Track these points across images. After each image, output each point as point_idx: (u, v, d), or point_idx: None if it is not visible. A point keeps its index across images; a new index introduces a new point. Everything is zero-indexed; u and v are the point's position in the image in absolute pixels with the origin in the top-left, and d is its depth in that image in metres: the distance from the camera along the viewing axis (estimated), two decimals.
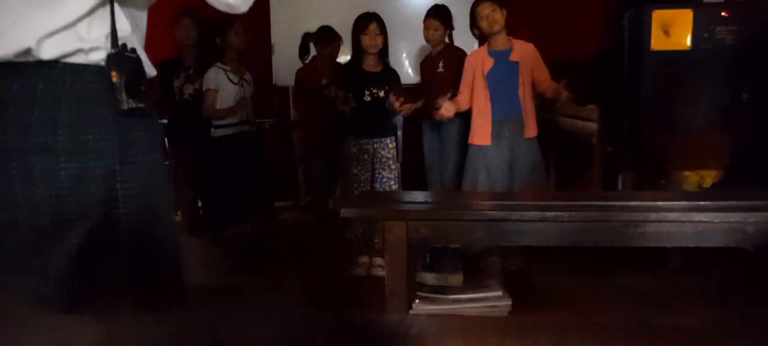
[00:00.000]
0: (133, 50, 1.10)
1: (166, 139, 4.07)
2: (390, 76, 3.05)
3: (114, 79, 1.06)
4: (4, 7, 1.02)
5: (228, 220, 3.62)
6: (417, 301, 1.94)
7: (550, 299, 2.04)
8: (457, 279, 2.05)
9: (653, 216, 1.77)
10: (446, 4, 3.38)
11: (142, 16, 1.18)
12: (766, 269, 2.09)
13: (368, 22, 2.95)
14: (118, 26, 1.08)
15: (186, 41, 3.50)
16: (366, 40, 2.95)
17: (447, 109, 2.85)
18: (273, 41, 4.29)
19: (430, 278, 2.07)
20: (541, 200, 1.92)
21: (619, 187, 3.05)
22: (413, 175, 3.76)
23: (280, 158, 4.03)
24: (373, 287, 2.57)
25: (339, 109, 3.02)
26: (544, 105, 3.23)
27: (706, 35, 2.73)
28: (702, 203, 1.85)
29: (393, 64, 3.19)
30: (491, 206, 1.95)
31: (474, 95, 2.91)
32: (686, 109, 2.78)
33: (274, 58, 4.27)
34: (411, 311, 1.89)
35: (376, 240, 2.85)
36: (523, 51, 2.87)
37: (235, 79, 3.39)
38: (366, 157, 3.01)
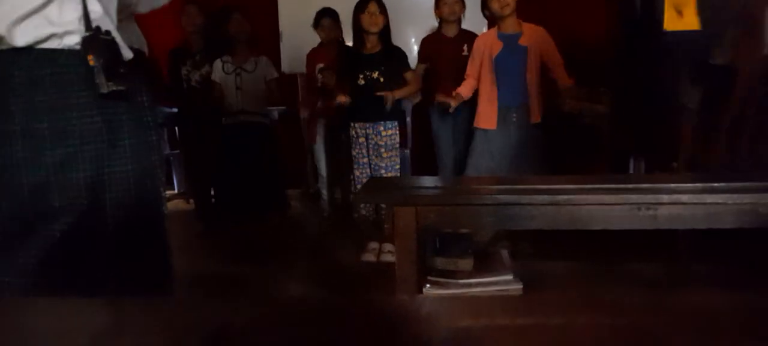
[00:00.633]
0: (108, 33, 1.08)
1: (176, 128, 4.09)
2: (390, 56, 2.99)
3: (91, 63, 1.04)
4: None
5: (235, 209, 3.65)
6: (427, 286, 1.94)
7: (560, 283, 2.04)
8: (467, 264, 2.05)
9: (665, 198, 1.74)
10: None
11: (112, 1, 1.16)
12: None
13: (368, 1, 2.93)
14: (90, 8, 1.06)
15: (192, 29, 3.52)
16: (366, 20, 2.93)
17: (457, 98, 2.84)
18: (281, 28, 4.28)
19: (440, 262, 2.07)
20: (552, 184, 1.90)
21: (631, 171, 3.03)
22: (424, 161, 3.75)
23: (289, 146, 4.04)
24: (383, 272, 2.59)
25: (337, 99, 3.00)
26: (553, 89, 3.20)
27: None
28: (715, 184, 1.82)
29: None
30: (501, 191, 1.93)
31: (481, 79, 2.89)
32: (699, 91, 2.74)
33: (282, 46, 4.26)
34: (420, 296, 1.89)
35: (386, 226, 2.86)
36: (534, 35, 2.85)
37: (229, 69, 3.42)
38: (362, 141, 3.01)
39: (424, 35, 3.53)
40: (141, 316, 0.60)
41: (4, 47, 1.01)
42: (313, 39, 3.63)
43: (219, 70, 3.46)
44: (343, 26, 3.50)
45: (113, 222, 1.13)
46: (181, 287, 1.82)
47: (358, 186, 3.02)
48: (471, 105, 3.13)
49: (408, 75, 3.02)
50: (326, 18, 3.48)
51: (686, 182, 1.89)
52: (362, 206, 3.05)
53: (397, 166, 3.04)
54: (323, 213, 3.76)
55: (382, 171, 2.99)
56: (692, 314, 0.71)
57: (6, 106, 1.02)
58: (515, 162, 2.87)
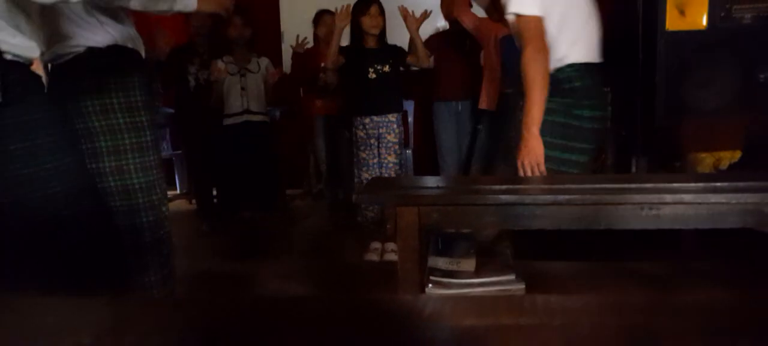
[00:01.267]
0: None
1: (176, 127, 4.09)
2: (393, 51, 3.06)
3: None
4: None
5: (236, 208, 3.66)
6: (430, 286, 1.94)
7: (563, 282, 2.03)
8: (469, 264, 2.04)
9: (669, 198, 1.74)
10: None
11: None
12: None
13: (370, 4, 2.96)
14: None
15: (201, 29, 3.53)
16: (367, 22, 2.98)
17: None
18: (282, 28, 4.28)
19: (442, 262, 2.07)
20: (554, 184, 1.90)
21: (633, 170, 3.03)
22: (425, 159, 3.75)
23: (290, 146, 4.05)
24: (386, 272, 2.58)
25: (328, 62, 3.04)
26: None
27: (722, 14, 2.68)
28: (718, 184, 1.82)
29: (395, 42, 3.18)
30: (504, 190, 1.93)
31: (486, 59, 2.93)
32: (702, 90, 2.74)
33: (283, 46, 4.27)
34: (423, 295, 1.89)
35: (388, 226, 2.86)
36: None
37: (233, 69, 3.45)
38: (372, 141, 3.02)
39: (431, 32, 3.54)
40: (143, 315, 0.60)
41: None
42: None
43: (221, 71, 3.48)
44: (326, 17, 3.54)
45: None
46: (184, 286, 1.83)
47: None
48: (474, 103, 3.14)
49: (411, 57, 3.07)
50: (327, 15, 3.51)
51: (689, 182, 1.89)
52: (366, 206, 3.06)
53: (399, 163, 3.07)
54: (326, 212, 3.77)
55: (397, 168, 3.03)
56: (696, 313, 0.71)
57: None
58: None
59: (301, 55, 3.68)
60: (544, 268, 2.20)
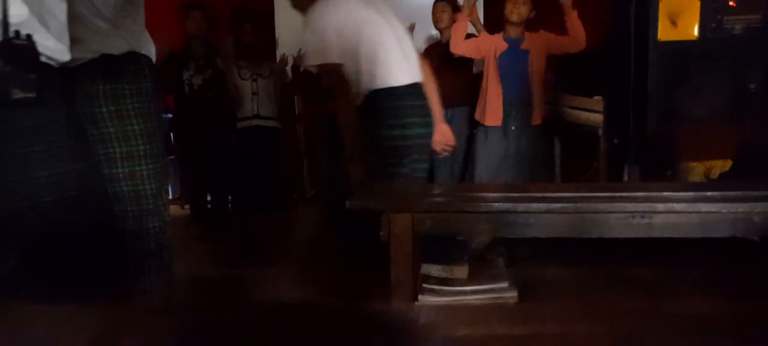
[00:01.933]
0: (28, 37, 1.05)
1: (171, 133, 4.09)
2: None
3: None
4: None
5: (237, 211, 3.67)
6: (423, 292, 1.94)
7: (556, 290, 2.04)
8: (462, 271, 2.05)
9: (660, 207, 1.76)
10: None
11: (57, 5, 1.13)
12: None
13: None
14: (12, 12, 1.03)
15: (196, 33, 3.54)
16: None
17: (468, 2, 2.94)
18: (277, 35, 4.29)
19: (435, 269, 2.08)
20: (547, 192, 1.91)
21: (625, 178, 3.05)
22: None
23: (286, 151, 4.05)
24: (379, 278, 2.58)
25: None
26: (550, 97, 3.22)
27: (713, 25, 2.71)
28: (709, 193, 1.84)
29: None
30: (497, 198, 1.94)
31: (487, 77, 2.99)
32: (693, 99, 2.77)
33: (278, 52, 4.27)
34: (416, 303, 1.89)
35: (381, 233, 2.86)
36: (535, 40, 2.98)
37: (246, 75, 3.49)
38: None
39: (422, 44, 3.57)
40: (136, 322, 0.60)
41: None
42: None
43: (235, 76, 3.53)
44: None
45: (22, 230, 1.11)
46: (179, 292, 1.82)
47: None
48: (468, 109, 3.16)
49: None
50: None
51: (680, 191, 1.90)
52: None
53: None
54: (320, 216, 3.77)
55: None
56: (687, 320, 0.71)
57: None
58: (519, 160, 2.93)
59: (300, 59, 3.69)
60: (536, 275, 2.21)
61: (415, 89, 2.28)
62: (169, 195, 4.70)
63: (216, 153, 3.62)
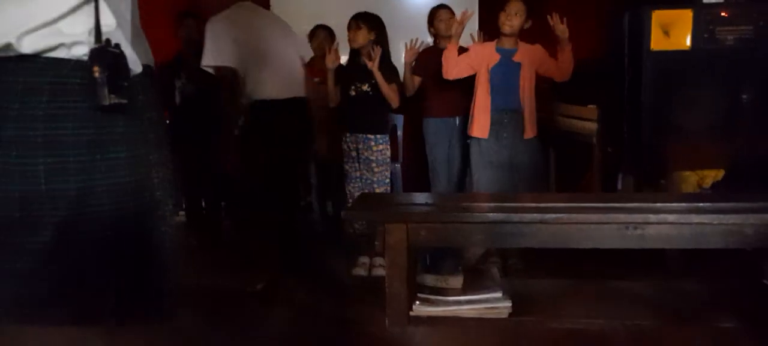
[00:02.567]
0: (117, 46, 1.09)
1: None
2: (380, 70, 2.99)
3: (96, 74, 1.04)
4: None
5: (230, 220, 3.66)
6: (417, 302, 1.95)
7: (550, 302, 2.05)
8: (457, 281, 2.06)
9: (653, 218, 1.77)
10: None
11: (127, 8, 1.16)
12: (764, 272, 2.10)
13: (352, 20, 3.01)
14: (102, 22, 1.06)
15: (188, 42, 3.53)
16: (349, 37, 3.01)
17: (457, 27, 2.92)
18: None
19: (430, 279, 2.08)
20: (541, 202, 1.92)
21: (619, 187, 3.06)
22: (414, 175, 3.77)
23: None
24: (374, 287, 2.58)
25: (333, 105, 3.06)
26: (545, 106, 3.23)
27: (705, 36, 2.73)
28: (701, 204, 1.85)
29: (393, 61, 3.18)
30: (491, 209, 1.95)
31: (477, 88, 2.95)
32: (686, 109, 2.79)
33: None
34: (411, 313, 1.89)
35: (376, 243, 2.86)
36: (529, 53, 2.92)
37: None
38: (354, 155, 3.03)
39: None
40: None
41: (10, 54, 1.01)
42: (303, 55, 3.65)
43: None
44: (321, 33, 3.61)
45: (102, 236, 1.12)
46: (178, 303, 1.82)
47: (351, 201, 3.03)
48: (464, 120, 3.16)
49: (392, 86, 3.05)
50: (321, 30, 3.55)
51: (673, 202, 1.92)
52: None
53: (388, 181, 3.06)
54: (314, 225, 3.77)
55: (374, 186, 3.00)
56: (683, 340, 0.72)
57: (5, 113, 1.01)
58: (514, 175, 2.91)
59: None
60: (530, 286, 2.22)
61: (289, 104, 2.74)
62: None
63: (210, 160, 3.61)
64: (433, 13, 3.35)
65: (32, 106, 1.02)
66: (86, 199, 1.07)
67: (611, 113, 3.05)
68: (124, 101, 1.08)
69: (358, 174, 3.03)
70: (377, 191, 3.00)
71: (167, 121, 3.77)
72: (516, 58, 2.91)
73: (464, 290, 2.02)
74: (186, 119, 3.57)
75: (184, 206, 4.01)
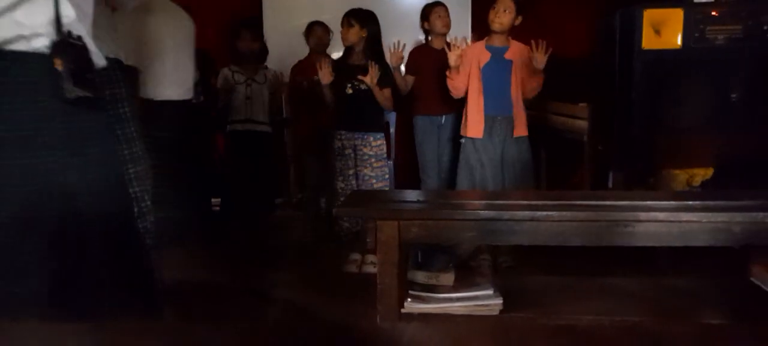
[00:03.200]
0: (79, 38, 1.06)
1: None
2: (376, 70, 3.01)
3: (58, 67, 1.01)
4: None
5: (238, 213, 3.68)
6: (408, 299, 1.95)
7: (541, 298, 2.06)
8: (448, 278, 2.06)
9: (643, 216, 1.78)
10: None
11: (88, 3, 1.14)
12: (751, 269, 2.13)
13: (343, 18, 3.02)
14: (62, 13, 1.04)
15: None
16: (341, 34, 3.02)
17: (455, 55, 2.84)
18: (265, 39, 4.27)
19: (421, 276, 2.09)
20: (532, 200, 1.93)
21: (610, 184, 3.08)
22: (407, 172, 3.77)
23: (273, 156, 4.05)
24: (365, 284, 2.59)
25: (328, 104, 3.06)
26: (536, 103, 3.25)
27: (696, 35, 2.75)
28: (690, 202, 1.87)
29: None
30: (482, 206, 1.96)
31: (469, 88, 2.94)
32: (676, 108, 2.81)
33: (267, 58, 4.26)
34: (402, 310, 1.90)
35: (368, 240, 2.87)
36: (519, 52, 2.92)
37: (241, 79, 3.51)
38: (348, 152, 3.03)
39: (409, 47, 3.56)
40: (126, 343, 0.60)
41: None
42: (297, 51, 3.65)
43: (227, 80, 3.53)
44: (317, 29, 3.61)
45: (80, 231, 1.10)
46: (164, 298, 1.81)
47: (342, 198, 3.03)
48: (456, 117, 3.17)
49: (386, 91, 3.04)
50: (318, 27, 3.55)
51: (663, 200, 1.93)
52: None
53: (387, 176, 3.07)
54: (307, 222, 3.76)
55: (373, 181, 3.01)
56: (673, 339, 0.73)
57: None
58: (504, 173, 2.91)
59: (295, 67, 3.69)
60: (521, 282, 2.23)
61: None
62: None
63: (202, 157, 3.60)
64: (428, 10, 3.34)
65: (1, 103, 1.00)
66: (59, 198, 1.06)
67: (602, 111, 3.07)
68: (90, 94, 1.05)
69: (351, 172, 3.03)
70: (376, 186, 3.01)
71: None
72: (507, 56, 2.91)
73: (455, 287, 2.03)
74: None
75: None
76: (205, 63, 3.61)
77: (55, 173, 1.06)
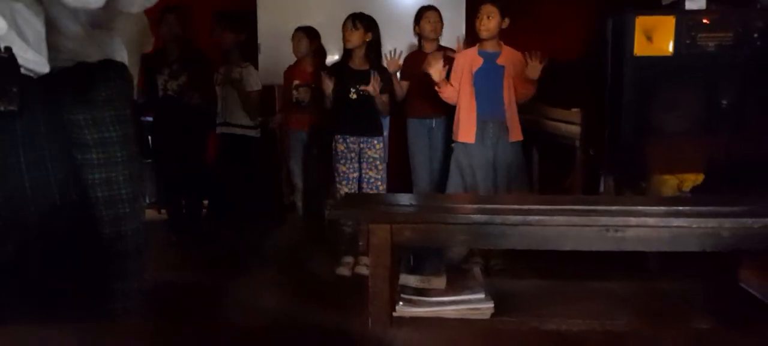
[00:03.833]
0: (8, 49, 1.05)
1: (149, 137, 4.06)
2: (380, 74, 3.02)
3: None
4: None
5: (213, 217, 3.64)
6: (400, 303, 1.96)
7: (532, 302, 2.07)
8: (440, 282, 2.07)
9: (633, 221, 1.80)
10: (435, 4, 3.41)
11: (33, 11, 1.12)
12: (740, 274, 2.15)
13: (348, 19, 3.00)
14: None
15: (169, 37, 3.50)
16: (344, 36, 3.00)
17: (437, 70, 2.85)
18: (259, 40, 4.27)
19: (413, 280, 2.09)
20: (524, 204, 1.94)
21: (601, 189, 3.10)
22: (399, 175, 3.77)
23: (265, 158, 4.03)
24: (357, 287, 2.59)
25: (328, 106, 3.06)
26: (529, 108, 3.26)
27: (687, 42, 2.78)
28: (680, 208, 1.88)
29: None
30: (475, 210, 1.97)
31: (461, 93, 2.94)
32: (667, 114, 2.83)
33: (260, 58, 4.25)
34: (394, 313, 1.90)
35: (360, 243, 2.87)
36: (511, 57, 2.92)
37: (218, 80, 3.46)
38: (353, 155, 3.03)
39: (403, 50, 3.56)
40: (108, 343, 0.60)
41: None
42: (290, 52, 3.64)
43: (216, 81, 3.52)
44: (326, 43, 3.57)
45: (68, 232, 1.10)
46: (154, 299, 1.81)
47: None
48: (447, 120, 3.17)
49: (384, 97, 3.05)
50: (296, 32, 3.52)
51: (653, 205, 1.95)
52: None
53: (380, 177, 3.08)
54: (298, 225, 3.76)
55: (378, 183, 3.03)
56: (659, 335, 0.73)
57: None
58: (497, 177, 2.91)
59: (287, 70, 3.68)
60: (513, 286, 2.24)
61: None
62: (145, 199, 4.64)
63: (192, 157, 3.59)
64: (419, 14, 3.35)
65: None
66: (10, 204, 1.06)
67: (594, 116, 3.09)
68: (13, 108, 1.05)
69: (355, 175, 3.03)
70: (381, 188, 3.03)
71: (151, 119, 3.76)
72: (499, 62, 2.91)
73: (447, 291, 2.04)
74: (167, 116, 3.54)
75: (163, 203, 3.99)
76: (202, 63, 3.59)
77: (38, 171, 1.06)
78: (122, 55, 1.64)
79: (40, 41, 1.13)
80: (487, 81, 2.91)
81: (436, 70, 2.87)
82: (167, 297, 2.31)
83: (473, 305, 1.95)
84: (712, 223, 1.75)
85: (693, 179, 2.85)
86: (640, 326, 1.85)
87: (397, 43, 3.93)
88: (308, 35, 3.48)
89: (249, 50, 3.60)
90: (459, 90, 2.95)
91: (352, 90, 2.99)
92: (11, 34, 1.05)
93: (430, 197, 2.91)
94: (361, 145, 3.02)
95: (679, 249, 1.77)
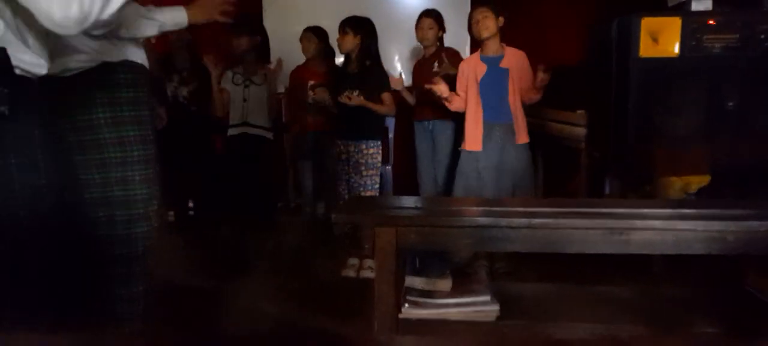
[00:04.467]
0: (3, 50, 1.06)
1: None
2: (369, 76, 3.02)
3: None
4: None
5: (219, 220, 3.66)
6: (405, 305, 1.96)
7: (537, 305, 2.07)
8: (445, 284, 2.07)
9: (638, 224, 1.80)
10: (439, 9, 3.42)
11: (29, 10, 1.11)
12: (746, 278, 2.14)
13: (339, 26, 3.03)
14: None
15: (178, 43, 3.51)
16: (337, 42, 3.04)
17: (442, 89, 2.85)
18: (260, 37, 4.28)
19: (418, 282, 2.09)
20: (529, 207, 1.94)
21: (606, 191, 3.09)
22: (405, 178, 3.78)
23: (272, 160, 4.05)
24: (362, 289, 2.59)
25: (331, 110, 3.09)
26: (533, 110, 3.26)
27: (693, 43, 2.77)
28: (685, 211, 1.88)
29: (384, 66, 3.19)
30: (480, 213, 1.97)
31: (467, 101, 2.93)
32: (672, 116, 2.82)
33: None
34: (399, 315, 1.91)
35: (366, 246, 2.88)
36: (514, 59, 2.91)
37: (238, 80, 3.47)
38: (344, 158, 3.05)
39: (407, 53, 3.59)
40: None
41: None
42: (296, 55, 3.65)
43: (228, 81, 3.49)
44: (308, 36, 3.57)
45: (78, 231, 1.12)
46: (158, 303, 1.82)
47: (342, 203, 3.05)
48: (456, 122, 3.18)
49: (384, 96, 3.05)
50: (305, 32, 3.53)
51: (658, 208, 1.95)
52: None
53: (377, 186, 3.07)
54: (304, 228, 3.77)
55: (361, 189, 3.01)
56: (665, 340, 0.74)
57: None
58: (503, 182, 2.90)
59: (294, 71, 3.69)
60: (518, 289, 2.24)
61: None
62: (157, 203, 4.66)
63: (200, 160, 3.60)
64: (417, 21, 3.36)
65: None
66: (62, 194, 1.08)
67: (599, 119, 3.08)
68: (4, 109, 1.05)
69: (345, 177, 3.06)
70: (364, 195, 3.01)
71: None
72: (502, 65, 2.90)
73: (452, 294, 2.04)
74: (178, 122, 3.56)
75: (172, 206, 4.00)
76: (202, 66, 3.60)
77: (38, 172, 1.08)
78: (143, 58, 1.67)
79: (42, 43, 1.15)
80: (492, 87, 2.90)
81: (441, 89, 2.88)
82: (171, 301, 2.33)
83: (479, 307, 1.95)
84: (717, 226, 1.75)
85: (699, 182, 2.84)
86: (646, 330, 1.85)
87: (401, 46, 3.96)
88: (317, 35, 3.49)
89: (264, 52, 3.60)
90: (466, 99, 2.95)
91: (344, 94, 3.00)
92: (8, 35, 1.06)
93: (436, 200, 2.91)
94: (350, 149, 3.03)
95: (685, 252, 1.76)
